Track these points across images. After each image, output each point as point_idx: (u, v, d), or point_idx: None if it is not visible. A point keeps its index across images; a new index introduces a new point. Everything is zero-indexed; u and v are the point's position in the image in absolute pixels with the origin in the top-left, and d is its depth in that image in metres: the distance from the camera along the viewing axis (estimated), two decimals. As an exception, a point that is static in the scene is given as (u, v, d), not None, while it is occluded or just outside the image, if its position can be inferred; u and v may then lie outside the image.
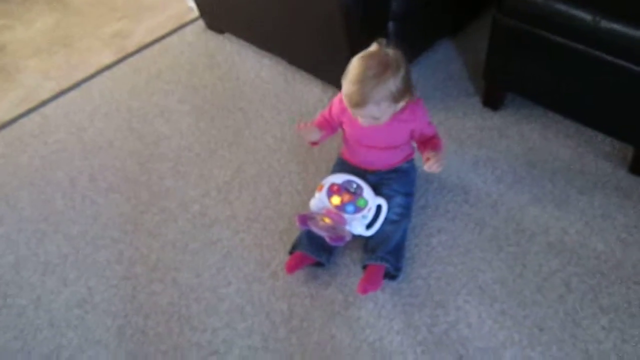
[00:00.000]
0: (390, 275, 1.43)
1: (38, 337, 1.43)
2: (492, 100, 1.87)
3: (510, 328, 1.32)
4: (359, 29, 1.69)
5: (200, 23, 2.40)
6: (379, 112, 1.28)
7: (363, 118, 1.32)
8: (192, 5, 2.45)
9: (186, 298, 1.46)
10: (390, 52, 1.27)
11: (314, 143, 1.50)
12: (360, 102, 1.24)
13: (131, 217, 1.66)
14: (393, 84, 1.24)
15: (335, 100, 1.46)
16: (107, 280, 1.52)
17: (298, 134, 1.40)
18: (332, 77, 1.86)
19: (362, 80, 1.23)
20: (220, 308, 1.43)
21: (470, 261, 1.46)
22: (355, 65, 1.26)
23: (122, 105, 2.05)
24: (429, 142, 1.43)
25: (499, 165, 1.69)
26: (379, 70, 1.23)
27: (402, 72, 1.26)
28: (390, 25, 1.73)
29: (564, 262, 1.43)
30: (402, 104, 1.31)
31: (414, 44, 1.98)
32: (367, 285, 1.36)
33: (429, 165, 1.33)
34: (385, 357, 1.30)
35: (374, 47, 1.29)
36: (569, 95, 1.60)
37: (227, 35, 2.32)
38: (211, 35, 2.34)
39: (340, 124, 1.50)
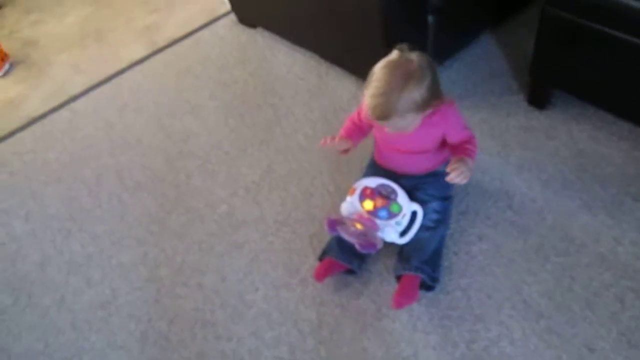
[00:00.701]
0: (427, 286, 1.34)
1: (60, 339, 1.39)
2: (538, 99, 1.75)
3: (558, 347, 1.22)
4: (396, 23, 1.60)
5: (232, 17, 2.34)
6: (405, 122, 1.21)
7: (389, 128, 1.24)
8: (224, -2, 2.39)
9: (211, 303, 1.40)
10: (414, 57, 1.17)
11: (345, 151, 1.41)
12: (384, 116, 1.17)
13: (157, 217, 1.61)
14: (418, 93, 1.16)
15: (364, 102, 1.38)
16: (131, 282, 1.47)
17: (324, 147, 1.32)
18: (367, 73, 1.78)
19: (385, 93, 1.15)
20: (246, 315, 1.37)
21: (514, 272, 1.35)
22: (377, 76, 1.18)
23: (151, 100, 2.01)
24: (459, 149, 1.33)
25: (545, 168, 1.57)
26: (403, 81, 1.14)
27: (427, 80, 1.17)
28: (430, 19, 1.64)
29: (617, 276, 1.32)
30: (429, 111, 1.23)
31: (454, 39, 1.88)
32: (402, 299, 1.27)
33: (451, 177, 1.22)
34: (421, 374, 1.22)
35: (395, 54, 1.20)
36: (624, 92, 1.47)
37: (259, 29, 2.26)
38: (243, 30, 2.27)
39: (371, 127, 1.42)
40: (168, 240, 1.55)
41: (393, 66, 1.17)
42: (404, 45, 1.19)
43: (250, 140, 1.80)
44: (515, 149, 1.63)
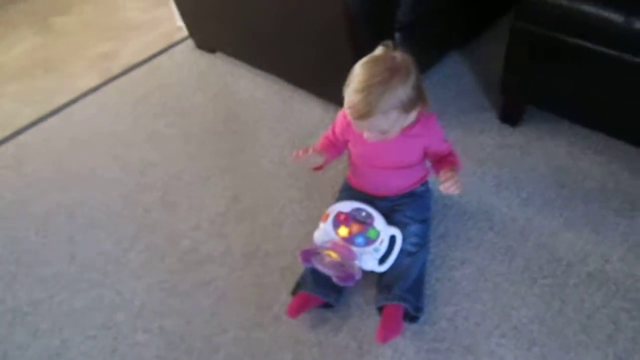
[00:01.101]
0: (410, 317, 1.24)
1: (3, 401, 1.23)
2: (511, 115, 1.70)
3: (555, 377, 1.13)
4: (363, 40, 1.52)
5: (190, 42, 2.25)
6: (388, 123, 1.11)
7: (369, 132, 1.14)
8: (182, 24, 2.30)
9: (175, 349, 1.26)
10: (398, 55, 1.10)
11: (318, 168, 1.32)
12: (366, 112, 1.08)
13: (113, 256, 1.47)
14: (403, 91, 1.07)
15: (339, 116, 1.30)
16: (84, 330, 1.32)
17: (297, 162, 1.22)
18: (334, 95, 1.68)
19: (368, 88, 1.06)
20: (214, 360, 1.23)
21: (501, 297, 1.27)
22: (359, 71, 1.09)
23: (105, 130, 1.88)
24: (445, 161, 1.26)
25: (524, 186, 1.51)
26: (387, 76, 1.06)
27: (412, 78, 1.09)
28: (397, 36, 1.58)
29: (608, 296, 1.25)
30: (413, 115, 1.15)
31: (422, 57, 1.81)
32: (387, 332, 1.16)
33: (446, 186, 1.16)
34: (410, 417, 1.10)
35: (379, 50, 1.13)
36: (599, 105, 1.43)
37: (218, 54, 2.17)
38: (201, 55, 2.18)
39: (346, 143, 1.33)
40: (125, 281, 1.41)
41: (376, 61, 1.09)
42: (389, 42, 1.12)
43: (212, 169, 1.68)
44: (491, 168, 1.57)
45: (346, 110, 1.12)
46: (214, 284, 1.37)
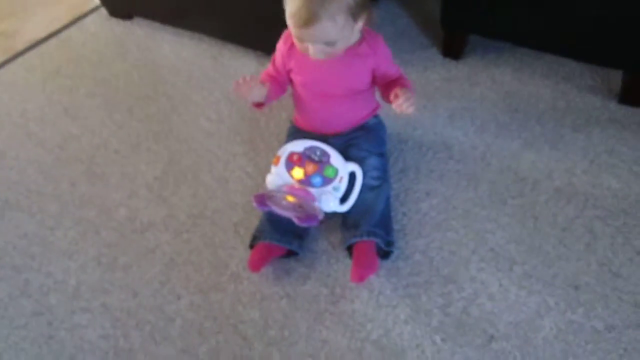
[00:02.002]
0: (383, 253, 1.14)
1: None
2: (453, 49, 1.65)
3: (541, 292, 1.07)
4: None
5: (103, 11, 2.05)
6: (335, 31, 1.00)
7: (315, 45, 1.03)
8: (90, -6, 2.09)
9: (123, 326, 1.10)
10: None
11: (259, 105, 1.19)
12: (311, 17, 0.97)
13: (37, 237, 1.28)
14: None
15: (279, 45, 1.18)
16: (12, 320, 1.13)
17: (236, 94, 1.09)
18: (265, 44, 1.57)
19: None
20: (171, 331, 1.08)
21: (473, 222, 1.20)
22: None
23: (14, 109, 1.66)
24: (395, 83, 1.16)
25: (477, 114, 1.45)
26: None
27: None
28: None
29: (579, 207, 1.20)
30: (360, 25, 1.06)
31: None
32: (362, 270, 1.06)
33: (399, 103, 1.06)
34: (398, 354, 1.01)
35: None
36: (544, 24, 1.39)
37: (135, 20, 1.98)
38: (117, 22, 1.98)
39: (289, 74, 1.21)
40: (55, 262, 1.23)
41: None
42: None
43: (144, 134, 1.51)
44: (441, 101, 1.50)
45: (288, 21, 1.01)
46: (160, 251, 1.22)
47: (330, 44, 1.02)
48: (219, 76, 1.68)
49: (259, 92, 1.12)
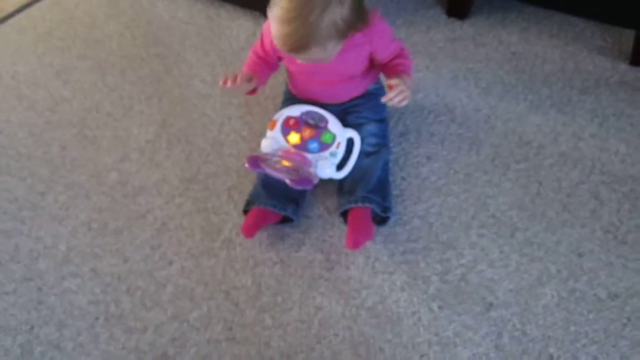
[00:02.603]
0: (379, 219, 1.10)
1: None
2: (458, 8, 1.57)
3: (543, 259, 1.03)
4: None
5: (96, -29, 1.97)
6: (324, 53, 0.96)
7: (302, 60, 1.00)
8: (83, -48, 2.01)
9: (114, 291, 1.08)
10: None
11: (251, 92, 1.14)
12: (299, 46, 0.92)
13: (28, 201, 1.25)
14: (339, 15, 0.92)
15: (266, 28, 1.11)
16: (1, 286, 1.11)
17: (223, 93, 1.04)
18: (262, 5, 1.51)
19: (298, 17, 0.90)
20: (162, 296, 1.06)
21: (474, 187, 1.16)
22: None
23: (4, 72, 1.61)
24: (392, 64, 1.11)
25: (482, 76, 1.39)
26: (320, 1, 0.90)
27: None
28: None
29: (585, 172, 1.16)
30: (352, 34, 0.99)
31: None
32: (357, 235, 1.02)
33: (390, 96, 1.01)
34: (394, 322, 0.98)
35: None
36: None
37: (130, -21, 1.91)
38: (111, -18, 1.91)
39: (279, 59, 1.15)
40: (45, 227, 1.20)
41: None
42: None
43: (136, 96, 1.47)
44: (444, 61, 1.44)
45: (275, 40, 0.95)
46: (151, 215, 1.19)
47: (319, 60, 0.99)
48: (215, 37, 1.62)
49: (247, 87, 1.08)
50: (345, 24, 0.93)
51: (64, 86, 1.53)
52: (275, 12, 0.93)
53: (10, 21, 1.82)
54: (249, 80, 1.08)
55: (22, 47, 1.70)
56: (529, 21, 1.52)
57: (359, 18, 0.97)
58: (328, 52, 0.97)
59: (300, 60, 1.02)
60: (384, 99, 1.02)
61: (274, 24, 0.93)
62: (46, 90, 1.53)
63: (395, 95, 1.01)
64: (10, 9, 1.89)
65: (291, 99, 1.26)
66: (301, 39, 0.91)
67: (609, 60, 1.39)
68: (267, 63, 1.17)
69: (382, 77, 1.24)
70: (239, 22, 1.65)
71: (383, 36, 1.09)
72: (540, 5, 1.46)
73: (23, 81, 1.57)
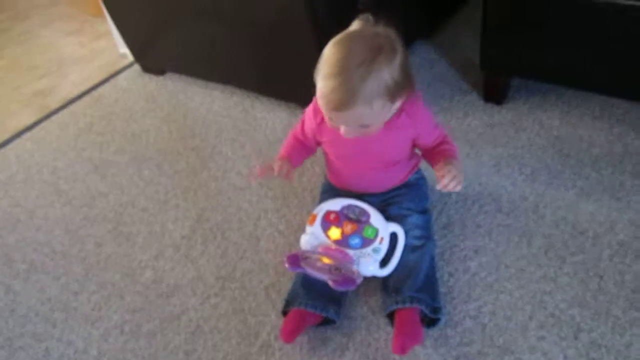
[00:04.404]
0: (428, 320, 1.02)
1: None
2: (495, 93, 1.56)
3: (614, 365, 0.93)
4: (325, 26, 1.36)
5: (136, 68, 2.06)
6: (371, 115, 0.91)
7: (348, 127, 0.94)
8: (125, 51, 2.12)
9: (145, 402, 1.01)
10: (381, 30, 0.92)
11: (286, 175, 1.09)
12: (344, 102, 0.88)
13: (60, 302, 1.22)
14: (388, 73, 0.88)
15: (308, 112, 1.10)
16: (29, 395, 1.06)
17: (259, 178, 1.02)
18: (299, 96, 1.53)
19: (346, 72, 0.87)
20: (195, 409, 0.99)
21: (529, 283, 1.07)
22: (332, 51, 0.90)
23: (45, 167, 1.64)
24: (437, 151, 1.07)
25: (525, 162, 1.34)
26: (368, 55, 0.87)
27: (399, 57, 0.90)
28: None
29: (650, 264, 1.07)
30: (399, 102, 0.96)
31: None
32: (405, 340, 0.94)
33: (444, 183, 0.96)
34: None
35: (356, 25, 0.94)
36: (595, 63, 1.29)
37: (168, 74, 1.98)
38: (149, 78, 1.98)
39: (318, 144, 1.13)
40: (77, 329, 1.16)
41: (354, 37, 0.91)
42: (367, 15, 0.93)
43: (171, 191, 1.46)
44: (485, 148, 1.40)
45: (319, 101, 0.92)
46: (186, 317, 1.13)
47: (364, 126, 0.94)
48: (250, 129, 1.63)
49: (281, 172, 1.05)
50: (394, 82, 0.89)
51: (102, 181, 1.54)
52: (321, 70, 0.90)
53: (54, 117, 1.89)
54: (284, 166, 1.05)
55: (63, 142, 1.74)
56: (569, 104, 1.49)
57: (407, 79, 0.93)
58: (374, 114, 0.92)
59: (344, 131, 0.95)
60: (439, 186, 0.97)
61: (320, 83, 0.90)
62: (84, 185, 1.54)
63: (450, 181, 0.96)
64: (55, 105, 1.96)
65: (330, 190, 1.23)
66: (346, 93, 0.87)
67: (660, 142, 1.33)
68: (304, 146, 1.15)
69: (422, 166, 1.21)
70: (274, 114, 1.67)
71: (426, 119, 1.06)
72: (581, 88, 1.43)
73: (62, 176, 1.59)
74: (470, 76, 1.65)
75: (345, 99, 0.87)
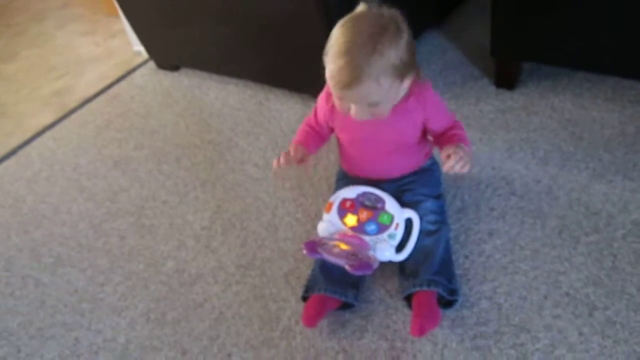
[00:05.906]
0: (445, 302, 1.05)
1: None
2: (506, 79, 1.57)
3: (628, 341, 0.95)
4: (335, 21, 1.39)
5: (151, 65, 2.10)
6: (379, 92, 0.93)
7: (358, 107, 0.96)
8: (139, 49, 2.15)
9: (173, 386, 1.05)
10: (386, 11, 0.94)
11: (301, 161, 1.11)
12: (352, 79, 0.89)
13: (88, 293, 1.26)
14: (394, 51, 0.90)
15: (320, 98, 1.13)
16: (62, 382, 1.10)
17: (275, 175, 1.04)
18: (312, 87, 1.55)
19: (352, 51, 0.89)
20: (221, 391, 1.02)
21: (543, 264, 1.09)
22: (339, 32, 0.92)
23: (67, 164, 1.69)
24: (447, 136, 1.09)
25: (538, 145, 1.36)
26: (374, 33, 0.89)
27: (405, 37, 0.92)
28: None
29: (663, 242, 1.08)
30: (407, 84, 0.97)
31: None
32: (423, 322, 0.97)
33: (450, 164, 0.97)
34: (470, 417, 0.90)
35: (361, 7, 0.96)
36: (607, 44, 1.29)
37: (182, 70, 2.01)
38: (164, 75, 2.02)
39: (332, 131, 1.16)
40: (105, 319, 1.20)
41: (359, 19, 0.93)
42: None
43: (191, 183, 1.50)
44: (497, 133, 1.42)
45: (329, 82, 0.94)
46: (209, 304, 1.17)
47: (373, 104, 0.96)
48: (265, 121, 1.66)
49: (297, 157, 1.07)
50: (400, 60, 0.91)
51: (122, 176, 1.58)
52: (329, 52, 0.92)
53: (73, 116, 1.93)
54: (299, 151, 1.08)
55: (83, 140, 1.78)
56: (581, 87, 1.49)
57: (413, 58, 0.95)
58: (383, 92, 0.93)
59: (354, 112, 0.97)
60: (444, 169, 0.98)
61: (328, 65, 0.92)
62: (105, 181, 1.58)
63: (455, 162, 0.97)
64: (73, 104, 2.00)
65: (344, 178, 1.25)
66: (354, 70, 0.88)
67: (673, 122, 1.33)
68: (318, 133, 1.17)
69: (435, 152, 1.23)
70: (288, 106, 1.69)
71: (435, 105, 1.08)
72: (592, 71, 1.43)
73: (84, 173, 1.63)
74: (481, 62, 1.66)
75: (352, 76, 0.89)
